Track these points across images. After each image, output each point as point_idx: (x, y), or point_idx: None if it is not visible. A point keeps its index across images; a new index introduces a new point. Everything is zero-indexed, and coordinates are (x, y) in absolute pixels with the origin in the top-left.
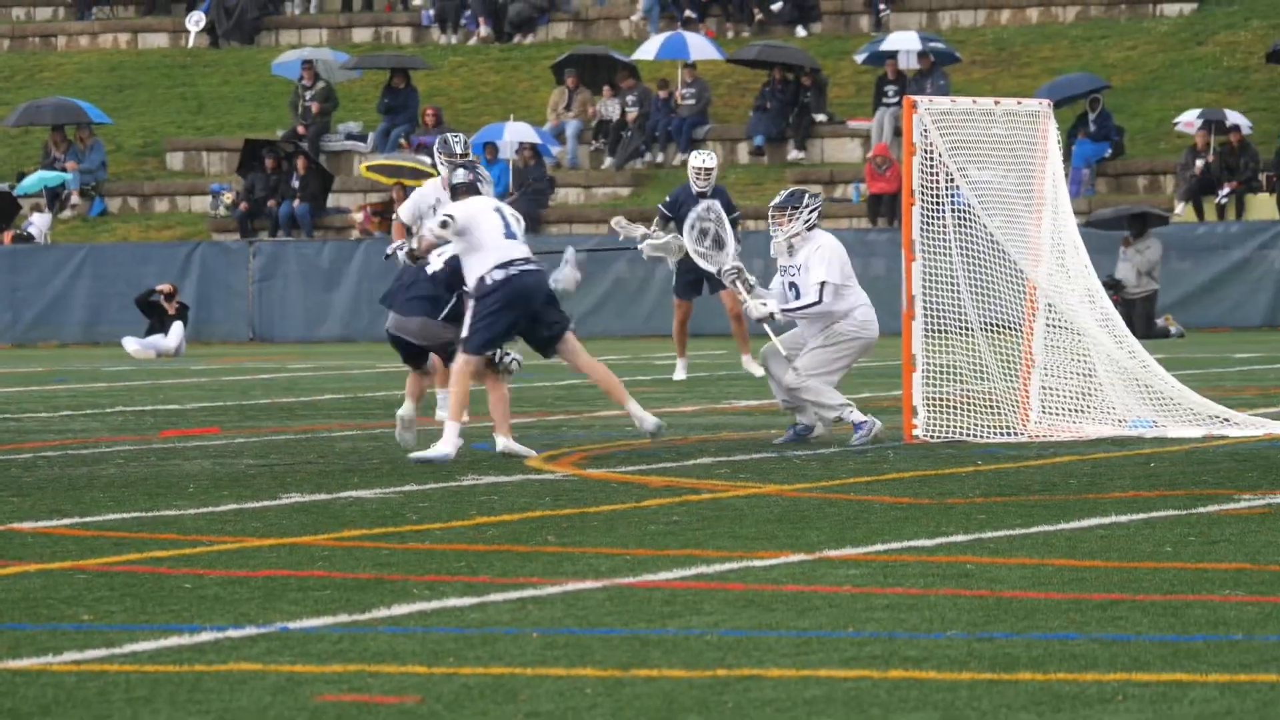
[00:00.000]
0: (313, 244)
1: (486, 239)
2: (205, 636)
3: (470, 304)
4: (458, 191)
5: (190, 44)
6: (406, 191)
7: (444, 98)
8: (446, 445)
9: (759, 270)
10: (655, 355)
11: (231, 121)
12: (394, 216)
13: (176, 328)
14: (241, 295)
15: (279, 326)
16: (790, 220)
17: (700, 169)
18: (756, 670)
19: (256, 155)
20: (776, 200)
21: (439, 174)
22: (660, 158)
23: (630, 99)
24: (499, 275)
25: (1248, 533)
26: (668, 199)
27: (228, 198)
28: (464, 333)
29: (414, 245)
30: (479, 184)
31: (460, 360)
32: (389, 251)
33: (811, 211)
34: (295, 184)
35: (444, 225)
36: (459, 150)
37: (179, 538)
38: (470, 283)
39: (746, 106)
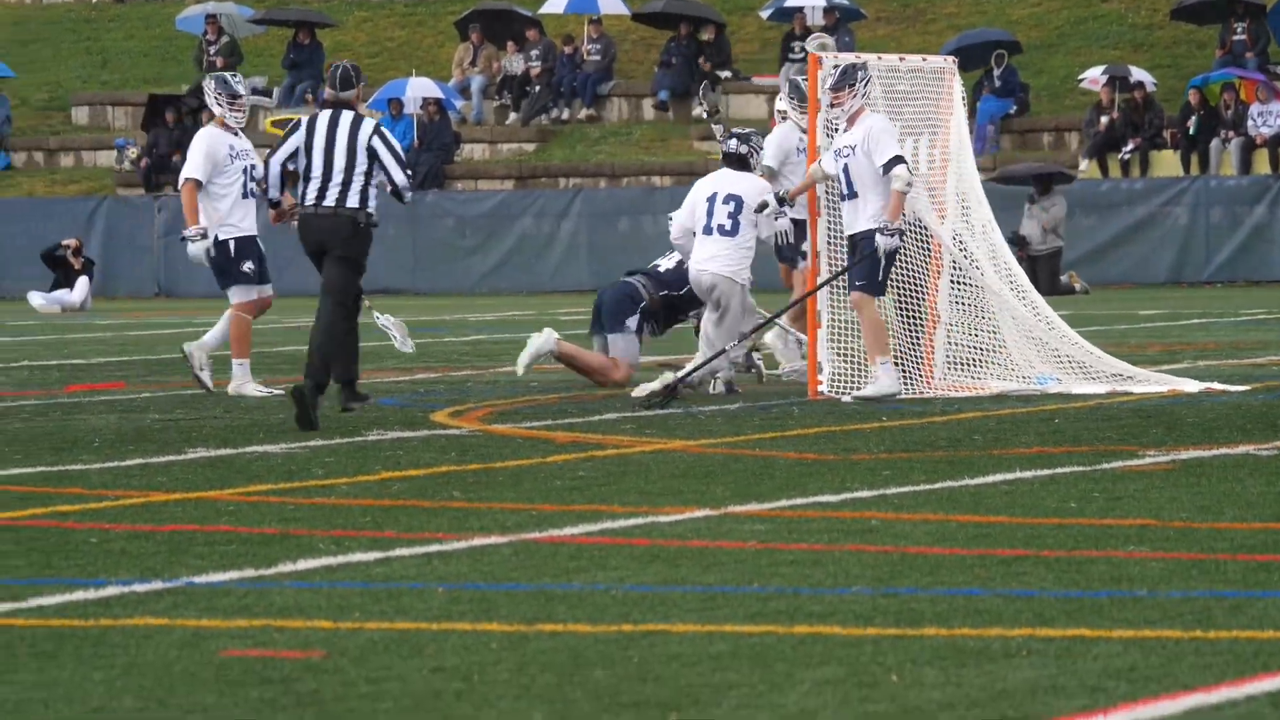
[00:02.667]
0: None
1: None
2: (110, 591)
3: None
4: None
5: None
6: None
7: (349, 53)
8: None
9: None
10: (560, 311)
11: (136, 76)
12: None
13: (82, 282)
14: (147, 250)
15: (185, 282)
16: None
17: None
18: (662, 625)
19: (160, 111)
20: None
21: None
22: (565, 114)
23: (535, 53)
24: None
25: (1151, 489)
26: None
27: (133, 152)
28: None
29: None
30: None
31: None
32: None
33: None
34: None
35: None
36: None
37: (84, 492)
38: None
39: (652, 62)
